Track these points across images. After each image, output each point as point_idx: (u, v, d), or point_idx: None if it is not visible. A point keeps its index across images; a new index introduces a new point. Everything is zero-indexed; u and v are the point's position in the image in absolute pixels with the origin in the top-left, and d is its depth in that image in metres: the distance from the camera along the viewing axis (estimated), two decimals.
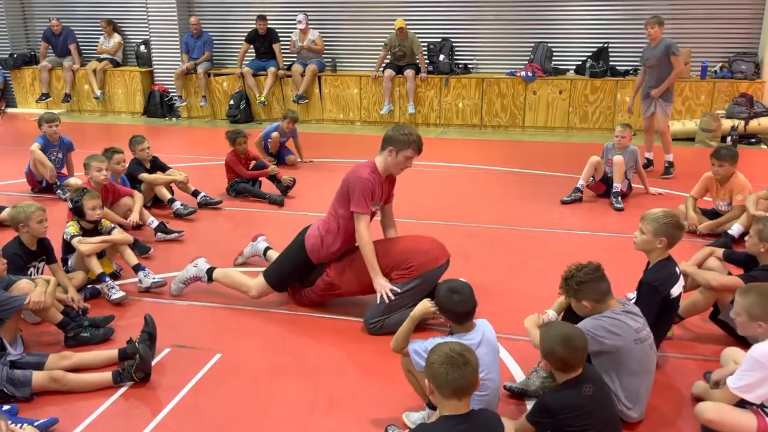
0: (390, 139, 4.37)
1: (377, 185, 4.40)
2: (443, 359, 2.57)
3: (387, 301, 4.20)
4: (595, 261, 3.37)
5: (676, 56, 7.59)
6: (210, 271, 4.77)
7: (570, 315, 3.56)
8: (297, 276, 4.65)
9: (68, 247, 4.94)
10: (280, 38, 11.65)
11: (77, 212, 4.91)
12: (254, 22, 11.51)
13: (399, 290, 4.22)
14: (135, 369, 3.67)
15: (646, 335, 3.30)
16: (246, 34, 11.70)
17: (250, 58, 11.77)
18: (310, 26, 11.48)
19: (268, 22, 11.52)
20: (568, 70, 11.01)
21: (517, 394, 3.56)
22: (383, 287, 4.24)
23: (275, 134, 8.44)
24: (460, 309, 3.15)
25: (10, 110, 12.96)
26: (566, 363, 2.89)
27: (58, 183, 7.17)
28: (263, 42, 11.59)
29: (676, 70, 7.64)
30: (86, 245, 4.78)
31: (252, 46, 11.68)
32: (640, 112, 8.23)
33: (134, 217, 5.82)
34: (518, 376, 3.76)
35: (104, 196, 5.57)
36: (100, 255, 4.98)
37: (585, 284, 3.25)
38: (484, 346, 3.12)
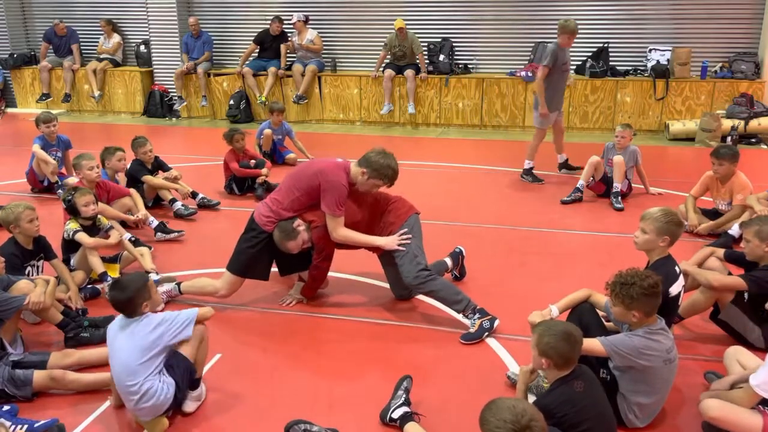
0: (367, 163, 4.33)
1: (348, 190, 4.41)
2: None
3: (409, 243, 4.32)
4: (631, 268, 3.29)
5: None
6: (179, 284, 4.71)
7: (574, 315, 3.57)
8: (261, 258, 4.55)
9: (69, 247, 4.94)
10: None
11: (71, 210, 4.91)
12: (254, 22, 11.49)
13: (405, 229, 4.35)
14: None
15: (675, 354, 3.28)
16: (245, 33, 11.67)
17: (251, 58, 11.76)
18: (308, 26, 11.47)
19: (267, 22, 11.50)
20: None
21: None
22: (393, 241, 4.35)
23: (267, 131, 8.41)
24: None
25: (10, 110, 12.96)
26: (566, 358, 2.91)
27: (59, 182, 7.16)
28: (272, 43, 11.54)
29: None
30: (91, 238, 4.82)
31: (258, 47, 11.63)
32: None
33: (142, 213, 5.83)
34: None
35: (98, 194, 5.57)
36: (114, 260, 5.04)
37: (646, 297, 3.15)
38: None
